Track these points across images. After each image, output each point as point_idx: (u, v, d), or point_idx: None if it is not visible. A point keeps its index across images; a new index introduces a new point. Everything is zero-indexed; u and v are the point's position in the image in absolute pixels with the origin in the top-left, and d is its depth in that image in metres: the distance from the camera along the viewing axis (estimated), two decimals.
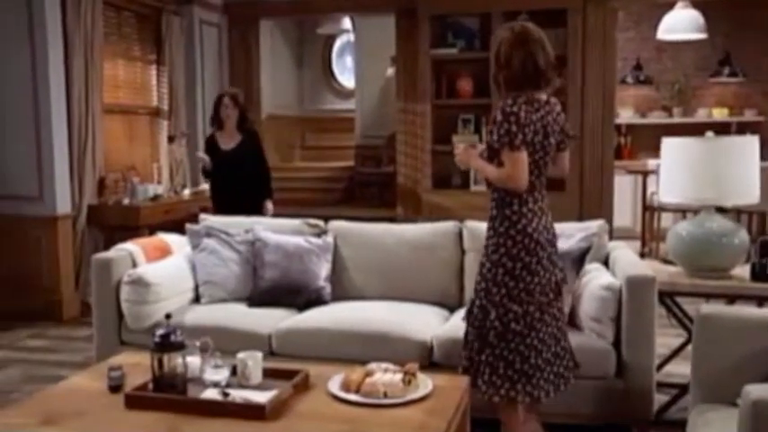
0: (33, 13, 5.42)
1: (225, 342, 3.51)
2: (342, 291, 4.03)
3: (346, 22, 10.12)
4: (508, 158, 2.83)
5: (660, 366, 3.78)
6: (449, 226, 4.07)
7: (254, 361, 2.66)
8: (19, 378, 4.23)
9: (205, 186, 6.98)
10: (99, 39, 5.89)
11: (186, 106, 7.14)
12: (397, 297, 3.94)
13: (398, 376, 2.61)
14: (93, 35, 5.82)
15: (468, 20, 7.06)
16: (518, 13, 6.87)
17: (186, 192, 6.81)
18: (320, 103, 11.04)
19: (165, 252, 4.07)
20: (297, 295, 3.91)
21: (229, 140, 5.35)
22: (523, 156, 2.83)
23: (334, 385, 2.61)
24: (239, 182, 5.28)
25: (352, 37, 10.09)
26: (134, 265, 3.85)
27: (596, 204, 6.77)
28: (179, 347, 2.55)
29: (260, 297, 3.90)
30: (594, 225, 3.79)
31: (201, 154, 5.38)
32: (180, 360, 2.57)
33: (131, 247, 3.92)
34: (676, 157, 3.55)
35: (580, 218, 6.93)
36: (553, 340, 2.98)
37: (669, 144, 3.60)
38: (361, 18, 9.35)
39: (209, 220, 4.31)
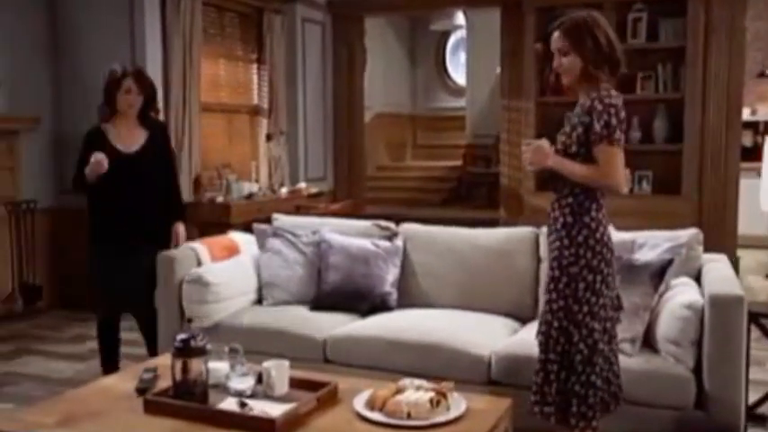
0: (134, 13, 5.61)
1: (279, 346, 3.50)
2: (409, 297, 3.86)
3: (460, 18, 9.92)
4: (605, 154, 2.57)
5: (759, 403, 3.35)
6: (525, 232, 3.80)
7: (278, 370, 2.54)
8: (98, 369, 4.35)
9: (302, 184, 7.05)
10: (198, 38, 6.02)
11: (287, 105, 7.19)
12: (467, 306, 3.73)
13: (428, 395, 2.41)
14: (192, 35, 5.95)
15: (577, 11, 6.68)
16: (632, 3, 6.44)
17: (284, 190, 6.85)
18: (433, 101, 10.90)
19: (232, 251, 4.05)
20: (360, 300, 3.77)
21: (129, 138, 3.79)
22: (621, 152, 2.59)
23: (360, 401, 2.46)
24: (141, 198, 3.76)
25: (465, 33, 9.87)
26: (198, 263, 3.85)
27: (718, 211, 6.22)
28: (200, 353, 2.47)
29: (322, 301, 3.80)
30: (685, 234, 3.42)
31: (100, 155, 3.59)
32: (201, 366, 2.49)
33: (197, 245, 3.92)
34: None
35: (699, 225, 6.39)
36: (615, 357, 2.74)
37: None
38: (474, 13, 9.12)
39: (279, 219, 4.26)
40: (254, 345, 3.48)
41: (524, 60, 6.63)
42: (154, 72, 5.64)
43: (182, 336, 2.48)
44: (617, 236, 3.46)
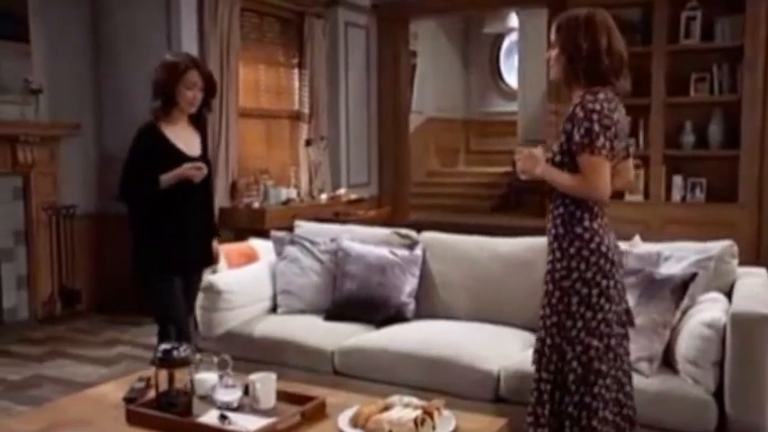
0: (171, 18, 5.68)
1: (288, 356, 3.47)
2: (428, 308, 3.76)
3: (513, 20, 9.76)
4: (587, 164, 2.46)
5: None
6: (546, 241, 3.64)
7: (263, 383, 2.49)
8: (122, 372, 4.40)
9: (342, 190, 7.02)
10: (236, 43, 6.06)
11: (329, 110, 7.18)
12: (487, 318, 3.61)
13: (414, 413, 2.32)
14: (230, 40, 5.99)
15: (628, 11, 6.46)
16: (686, 1, 6.18)
17: (323, 196, 6.84)
18: (487, 105, 10.75)
19: (250, 258, 4.04)
20: (374, 310, 3.70)
21: (188, 139, 3.36)
22: (605, 161, 2.46)
23: (345, 418, 2.38)
24: (203, 209, 3.41)
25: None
26: (214, 270, 3.84)
27: None
28: (183, 363, 2.44)
29: (337, 310, 3.74)
30: (717, 246, 3.22)
31: (199, 163, 3.26)
32: (186, 377, 2.46)
33: None
34: None
35: (758, 235, 6.09)
36: (627, 378, 2.58)
37: None
38: (526, 15, 8.95)
39: (302, 227, 4.22)
40: (263, 354, 3.50)
41: None
42: None
43: (164, 346, 2.45)
44: (642, 248, 3.32)
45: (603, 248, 2.52)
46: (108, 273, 5.97)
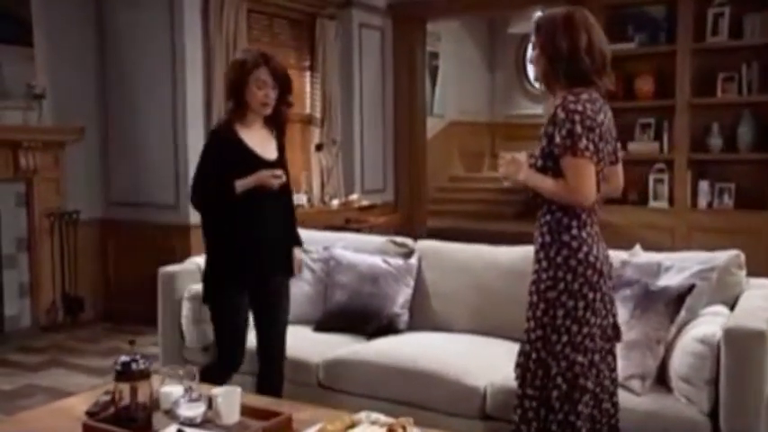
0: (174, 17, 5.70)
1: None
2: (422, 320, 3.71)
3: None
4: (570, 168, 2.40)
5: None
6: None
7: (225, 398, 2.45)
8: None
9: (354, 196, 6.99)
10: (242, 45, 6.04)
11: (342, 114, 7.16)
12: (482, 330, 3.55)
13: None
14: (237, 42, 6.00)
15: (652, 9, 6.35)
16: None
17: (335, 202, 6.82)
18: (513, 107, 10.64)
19: None
20: (365, 322, 3.65)
21: (264, 143, 3.20)
22: (589, 163, 2.39)
23: None
24: (281, 218, 3.26)
25: None
26: None
27: None
28: (143, 376, 2.42)
29: (327, 321, 3.71)
30: (722, 256, 3.10)
31: (279, 171, 3.13)
32: (147, 390, 2.44)
33: (200, 260, 3.88)
34: None
35: None
36: (606, 395, 2.49)
37: None
38: None
39: None
40: (250, 366, 3.45)
41: None
42: (194, 81, 5.76)
43: (123, 359, 2.44)
44: (642, 258, 3.21)
45: (592, 258, 2.45)
46: (112, 280, 6.03)
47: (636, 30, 6.28)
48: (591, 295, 2.41)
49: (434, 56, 9.65)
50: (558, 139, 2.38)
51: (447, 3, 7.55)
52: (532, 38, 2.56)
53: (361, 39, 7.30)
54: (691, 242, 5.88)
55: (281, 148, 3.28)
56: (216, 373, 3.08)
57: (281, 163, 3.23)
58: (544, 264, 2.49)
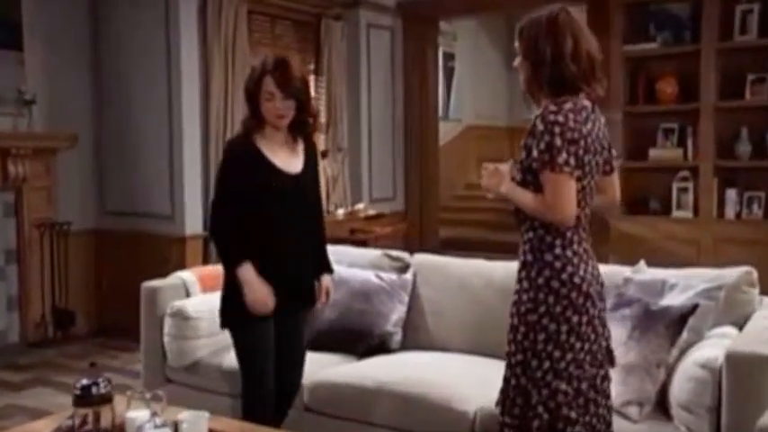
0: (169, 20, 5.72)
1: None
2: (416, 339, 3.68)
3: None
4: (548, 183, 2.34)
5: None
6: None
7: (191, 423, 2.45)
8: None
9: (360, 205, 6.97)
10: (242, 48, 6.07)
11: (349, 119, 7.15)
12: (478, 350, 3.51)
13: None
14: (236, 45, 6.01)
15: (675, 6, 6.26)
16: None
17: (340, 212, 6.81)
18: (533, 111, 10.51)
19: None
20: (355, 341, 3.62)
21: (288, 156, 3.07)
22: (569, 179, 2.33)
23: None
24: (305, 239, 3.12)
25: None
26: (188, 295, 3.82)
27: None
28: (103, 401, 2.41)
29: (316, 340, 3.66)
30: (732, 274, 3.03)
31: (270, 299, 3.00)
32: (108, 414, 2.43)
33: (186, 275, 3.90)
34: None
35: None
36: (604, 425, 2.43)
37: None
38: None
39: None
40: (232, 388, 3.44)
41: (611, 64, 6.24)
42: (190, 87, 5.78)
43: (83, 382, 2.43)
44: (646, 274, 3.16)
45: (577, 280, 2.39)
46: (105, 293, 6.05)
47: (658, 28, 6.20)
48: (575, 319, 2.36)
49: (450, 57, 9.62)
50: (535, 153, 2.33)
51: (460, 0, 7.52)
52: (516, 43, 2.51)
53: (369, 40, 7.29)
54: (718, 255, 5.79)
55: (309, 162, 3.13)
56: (258, 408, 3.01)
57: (307, 177, 3.10)
58: (525, 284, 2.44)
